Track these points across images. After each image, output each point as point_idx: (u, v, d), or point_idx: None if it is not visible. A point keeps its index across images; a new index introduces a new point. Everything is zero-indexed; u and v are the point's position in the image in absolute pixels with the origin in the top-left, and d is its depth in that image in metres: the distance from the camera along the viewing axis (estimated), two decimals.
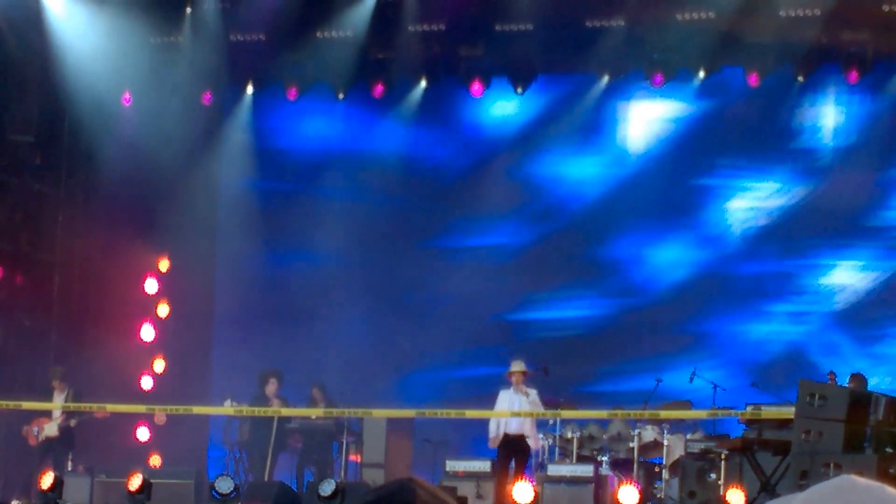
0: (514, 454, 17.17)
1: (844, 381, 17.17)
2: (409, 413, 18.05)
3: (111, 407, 18.22)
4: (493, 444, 17.30)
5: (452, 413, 17.32)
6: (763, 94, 20.90)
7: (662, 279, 21.75)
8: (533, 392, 17.21)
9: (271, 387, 19.37)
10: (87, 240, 21.30)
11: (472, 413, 17.31)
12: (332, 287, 22.17)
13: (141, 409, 19.22)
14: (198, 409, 19.05)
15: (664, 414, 18.06)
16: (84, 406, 18.46)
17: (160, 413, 19.22)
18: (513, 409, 17.05)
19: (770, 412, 15.78)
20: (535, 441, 17.42)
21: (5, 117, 20.31)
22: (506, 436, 17.15)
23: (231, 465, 19.85)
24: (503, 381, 17.36)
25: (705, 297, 21.56)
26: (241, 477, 19.28)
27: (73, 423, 18.95)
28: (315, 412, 19.13)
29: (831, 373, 17.06)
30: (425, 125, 22.10)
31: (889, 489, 7.70)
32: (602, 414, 18.43)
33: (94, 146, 21.35)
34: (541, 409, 17.18)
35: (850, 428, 13.39)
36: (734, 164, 21.69)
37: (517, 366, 17.20)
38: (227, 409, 19.20)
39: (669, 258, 21.80)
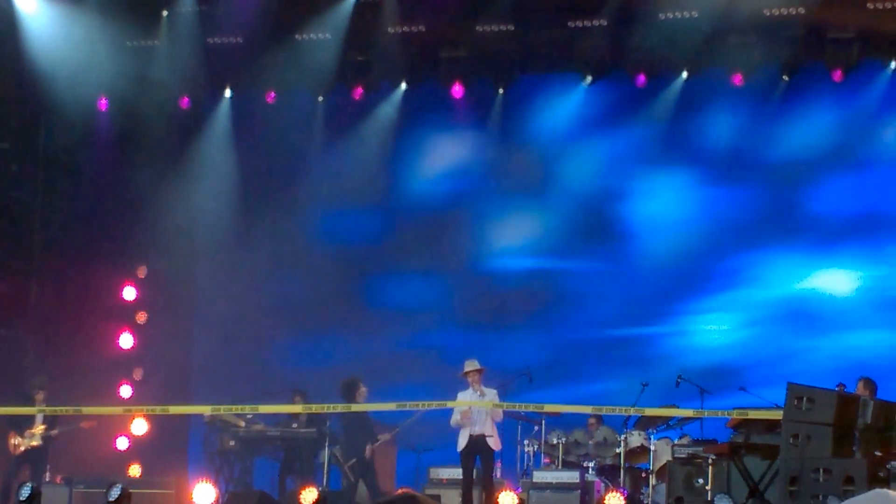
0: (476, 454, 17.06)
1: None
2: (389, 406, 17.70)
3: (87, 410, 18.02)
4: (461, 418, 17.00)
5: (434, 404, 17.16)
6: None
7: None
8: (491, 392, 17.02)
9: (363, 391, 18.92)
10: (65, 247, 21.16)
11: (452, 403, 17.03)
12: (313, 293, 21.95)
13: (118, 410, 19.10)
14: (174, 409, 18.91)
15: (649, 411, 17.86)
16: (61, 410, 18.24)
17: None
18: (472, 409, 16.88)
19: (758, 413, 15.60)
20: (497, 441, 17.21)
21: None
22: (470, 437, 17.00)
23: (212, 475, 19.62)
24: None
25: None
26: (221, 486, 19.07)
27: (54, 433, 18.76)
28: (295, 408, 18.73)
29: (840, 384, 16.77)
30: (406, 127, 21.87)
31: None
32: (587, 409, 18.10)
33: (70, 152, 21.29)
34: (498, 410, 16.99)
35: (839, 431, 13.23)
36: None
37: (470, 365, 17.03)
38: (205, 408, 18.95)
39: None
